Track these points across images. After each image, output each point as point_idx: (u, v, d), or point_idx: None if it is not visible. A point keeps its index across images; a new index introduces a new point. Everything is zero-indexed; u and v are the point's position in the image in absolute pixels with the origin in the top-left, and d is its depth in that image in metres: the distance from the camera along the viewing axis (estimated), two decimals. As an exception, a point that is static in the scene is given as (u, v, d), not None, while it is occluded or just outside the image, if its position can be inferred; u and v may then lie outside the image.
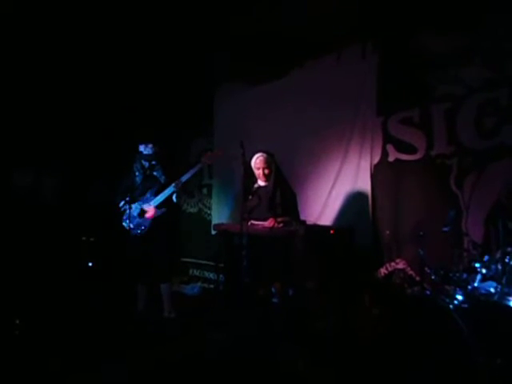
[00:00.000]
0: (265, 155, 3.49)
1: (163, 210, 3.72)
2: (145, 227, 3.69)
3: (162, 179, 3.76)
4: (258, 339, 2.94)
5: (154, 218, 3.70)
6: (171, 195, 3.71)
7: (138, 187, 3.74)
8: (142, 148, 3.77)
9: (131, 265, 3.85)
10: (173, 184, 3.65)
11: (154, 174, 3.78)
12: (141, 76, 4.97)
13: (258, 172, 3.50)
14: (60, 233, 4.88)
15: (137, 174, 3.79)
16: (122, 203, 3.76)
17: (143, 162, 3.79)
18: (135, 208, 3.70)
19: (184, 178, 3.66)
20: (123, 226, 3.76)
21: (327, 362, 2.69)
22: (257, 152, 3.51)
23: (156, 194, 3.72)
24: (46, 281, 4.34)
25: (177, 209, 3.89)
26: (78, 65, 4.64)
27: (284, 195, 3.44)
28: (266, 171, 3.47)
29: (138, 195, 3.73)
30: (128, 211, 3.65)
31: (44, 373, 2.71)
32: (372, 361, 2.58)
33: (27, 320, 3.44)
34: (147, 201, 3.72)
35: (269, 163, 3.48)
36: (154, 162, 3.77)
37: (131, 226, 3.67)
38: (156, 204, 3.70)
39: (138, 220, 3.70)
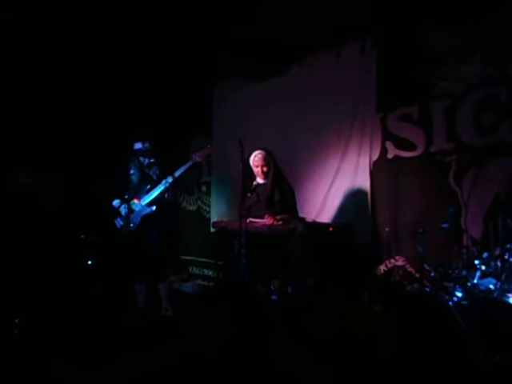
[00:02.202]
0: (263, 153, 3.47)
1: (152, 208, 3.70)
2: (133, 225, 3.68)
3: (156, 177, 3.73)
4: (257, 336, 2.93)
5: (145, 217, 3.68)
6: (162, 193, 3.68)
7: (134, 186, 3.73)
8: (139, 145, 3.74)
9: (128, 263, 3.85)
10: (163, 181, 3.63)
11: (150, 172, 3.76)
12: (141, 74, 4.95)
13: (257, 170, 3.48)
14: (59, 232, 4.87)
15: (132, 172, 3.78)
16: (116, 202, 3.77)
17: (141, 159, 3.77)
18: (124, 207, 3.68)
19: (176, 174, 3.62)
20: (115, 225, 3.77)
21: (326, 360, 2.68)
22: (255, 150, 3.50)
23: (148, 192, 3.70)
24: (45, 280, 4.33)
25: (169, 206, 3.85)
26: (78, 64, 4.64)
27: (283, 193, 3.43)
28: (265, 169, 3.46)
29: (134, 194, 3.70)
30: (120, 210, 3.68)
31: (43, 373, 2.70)
32: (371, 358, 2.58)
33: (27, 319, 3.43)
34: (141, 199, 3.71)
35: (267, 161, 3.47)
36: (151, 160, 3.76)
37: (121, 223, 3.70)
38: (145, 202, 3.69)
39: (127, 218, 3.67)
